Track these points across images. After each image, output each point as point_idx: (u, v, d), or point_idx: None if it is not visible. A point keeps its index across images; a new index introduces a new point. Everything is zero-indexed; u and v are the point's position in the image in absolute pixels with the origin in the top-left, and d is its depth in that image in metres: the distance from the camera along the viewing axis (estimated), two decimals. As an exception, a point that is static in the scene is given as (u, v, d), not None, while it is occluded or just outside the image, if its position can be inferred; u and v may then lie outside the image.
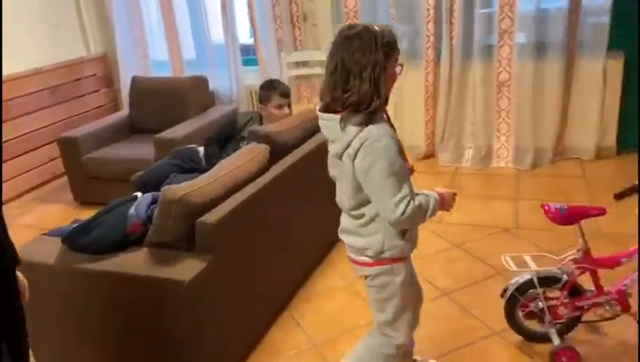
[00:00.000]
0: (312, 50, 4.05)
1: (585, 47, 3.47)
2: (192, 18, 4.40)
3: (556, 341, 1.89)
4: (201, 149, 2.90)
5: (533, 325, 2.01)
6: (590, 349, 1.98)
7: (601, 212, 1.80)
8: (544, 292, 1.92)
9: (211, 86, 4.19)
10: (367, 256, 1.52)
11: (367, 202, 1.47)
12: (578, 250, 1.88)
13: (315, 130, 2.80)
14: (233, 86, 4.28)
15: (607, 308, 1.91)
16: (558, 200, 1.91)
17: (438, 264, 2.65)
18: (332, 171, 1.62)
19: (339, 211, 1.62)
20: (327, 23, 3.98)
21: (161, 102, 3.87)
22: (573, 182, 3.41)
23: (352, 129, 1.38)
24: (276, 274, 2.32)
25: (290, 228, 2.41)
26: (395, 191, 1.38)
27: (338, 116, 1.40)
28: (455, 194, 1.61)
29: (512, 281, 1.95)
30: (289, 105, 2.83)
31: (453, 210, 1.64)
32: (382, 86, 1.37)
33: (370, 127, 1.37)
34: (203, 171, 2.20)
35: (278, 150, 2.42)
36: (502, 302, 1.99)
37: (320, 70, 4.07)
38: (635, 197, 1.76)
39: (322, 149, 2.75)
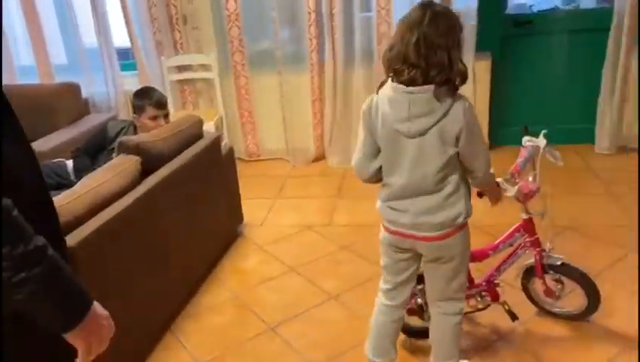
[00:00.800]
0: (195, 54, 3.90)
1: (456, 50, 3.67)
2: (61, 19, 4.05)
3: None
4: (70, 163, 2.66)
5: (414, 321, 2.07)
6: (467, 339, 2.07)
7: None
8: (422, 289, 1.97)
9: (86, 93, 3.89)
10: (457, 223, 1.56)
11: (453, 171, 1.52)
12: (450, 246, 1.96)
13: (197, 137, 2.69)
14: (111, 92, 4.00)
15: (479, 299, 2.02)
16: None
17: (325, 267, 2.65)
18: (407, 151, 1.52)
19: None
20: (208, 26, 3.85)
21: (25, 112, 3.38)
22: (452, 177, 3.59)
23: (447, 100, 1.44)
24: (156, 294, 2.18)
25: (170, 244, 2.27)
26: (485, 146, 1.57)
27: (432, 87, 1.42)
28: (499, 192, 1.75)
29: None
30: (166, 116, 2.67)
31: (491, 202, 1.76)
32: (463, 65, 1.44)
33: (461, 98, 1.46)
34: (72, 186, 2.00)
35: (152, 161, 2.27)
36: (383, 301, 2.02)
37: (204, 74, 3.94)
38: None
39: (205, 157, 2.67)
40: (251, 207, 3.17)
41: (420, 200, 1.55)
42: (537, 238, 1.97)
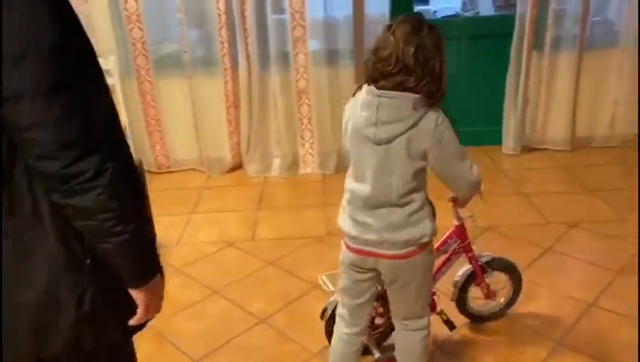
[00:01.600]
0: (92, 58, 3.53)
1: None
2: None
3: (376, 353, 1.87)
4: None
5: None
6: (405, 353, 2.01)
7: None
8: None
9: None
10: (420, 243, 1.50)
11: (420, 188, 1.48)
12: (386, 258, 1.89)
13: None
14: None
15: (417, 310, 1.97)
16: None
17: (251, 287, 2.48)
18: (372, 159, 1.46)
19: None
20: (106, 26, 3.50)
21: None
22: (372, 182, 3.58)
23: (420, 111, 1.39)
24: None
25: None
26: (467, 156, 1.48)
27: (412, 95, 1.37)
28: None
29: (330, 300, 1.87)
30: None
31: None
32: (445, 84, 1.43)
33: (435, 112, 1.41)
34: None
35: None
36: (322, 322, 1.90)
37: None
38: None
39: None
40: (164, 225, 2.91)
41: (384, 214, 1.48)
42: (469, 243, 1.96)
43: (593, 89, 3.78)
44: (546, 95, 3.80)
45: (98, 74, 1.01)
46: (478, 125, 3.94)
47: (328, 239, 2.81)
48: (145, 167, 3.18)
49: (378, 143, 1.42)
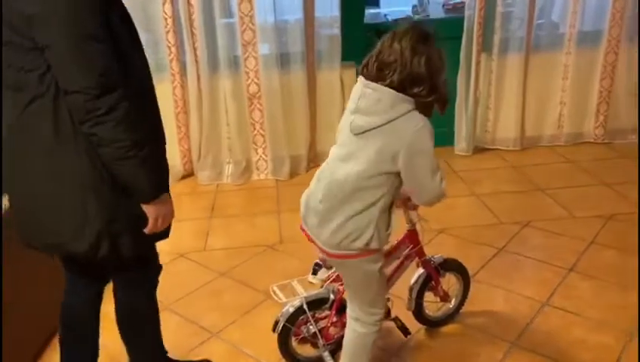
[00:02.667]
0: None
1: (323, 58, 3.63)
2: None
3: (330, 364, 1.83)
4: None
5: (306, 351, 1.91)
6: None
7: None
8: (314, 316, 1.83)
9: None
10: (360, 249, 1.45)
11: (377, 186, 1.42)
12: (340, 266, 1.84)
13: None
14: None
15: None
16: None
17: (203, 299, 2.38)
18: (345, 146, 1.47)
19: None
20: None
21: None
22: (328, 187, 3.53)
23: (401, 107, 1.36)
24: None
25: (15, 291, 1.84)
26: (437, 169, 1.44)
27: (394, 92, 1.35)
28: None
29: (283, 312, 1.81)
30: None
31: None
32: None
33: (416, 112, 1.38)
34: None
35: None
36: (275, 335, 1.83)
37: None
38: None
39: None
40: (111, 238, 2.76)
41: (333, 205, 1.45)
42: (421, 247, 1.94)
43: (540, 90, 3.88)
44: (495, 96, 3.86)
45: (123, 31, 1.30)
46: (433, 126, 3.97)
47: (282, 247, 2.75)
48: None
49: (353, 132, 1.41)
